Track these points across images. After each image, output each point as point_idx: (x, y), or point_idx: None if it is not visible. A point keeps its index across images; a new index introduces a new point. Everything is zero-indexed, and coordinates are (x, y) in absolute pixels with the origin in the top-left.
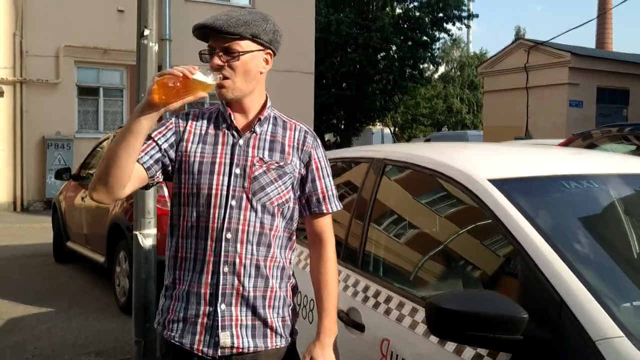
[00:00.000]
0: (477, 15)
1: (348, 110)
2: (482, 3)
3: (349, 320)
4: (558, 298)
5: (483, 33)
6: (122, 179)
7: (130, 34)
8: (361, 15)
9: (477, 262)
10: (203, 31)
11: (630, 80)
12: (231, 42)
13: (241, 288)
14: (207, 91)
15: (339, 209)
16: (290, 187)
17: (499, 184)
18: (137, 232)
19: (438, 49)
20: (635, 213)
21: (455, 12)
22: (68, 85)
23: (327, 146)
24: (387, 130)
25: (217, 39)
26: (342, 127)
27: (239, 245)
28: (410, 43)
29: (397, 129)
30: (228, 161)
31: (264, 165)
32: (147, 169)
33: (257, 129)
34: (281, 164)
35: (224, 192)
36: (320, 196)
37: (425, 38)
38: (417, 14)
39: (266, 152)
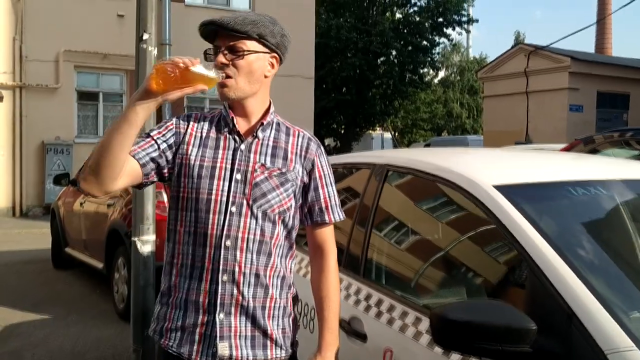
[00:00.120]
0: (477, 20)
1: (348, 114)
2: (482, 8)
3: (351, 329)
4: (567, 308)
5: (483, 38)
6: (114, 170)
7: (130, 38)
8: (361, 20)
9: (482, 271)
10: (210, 28)
11: (630, 85)
12: (237, 41)
13: (240, 297)
14: (209, 86)
15: (342, 218)
16: (292, 194)
17: (505, 190)
18: (135, 239)
19: (438, 53)
20: None
21: (455, 17)
22: (67, 90)
23: (327, 151)
24: (387, 135)
25: (223, 38)
26: (342, 131)
27: (238, 253)
28: (410, 48)
29: (397, 133)
30: (229, 166)
31: (266, 171)
32: (143, 166)
33: (260, 134)
34: (283, 170)
35: (224, 198)
36: (323, 205)
37: (425, 43)
38: (417, 18)
39: (268, 158)
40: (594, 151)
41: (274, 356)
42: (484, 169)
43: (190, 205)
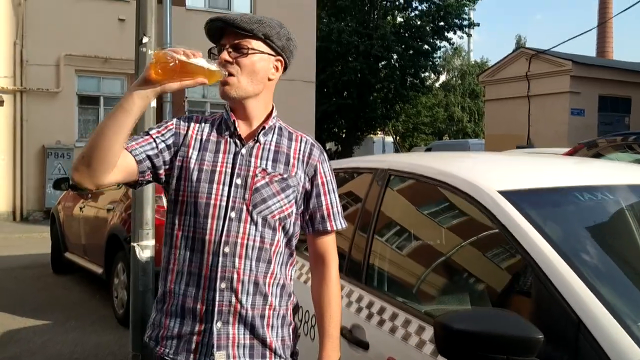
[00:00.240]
0: (478, 24)
1: (349, 118)
2: (483, 12)
3: (352, 337)
4: (575, 317)
5: (484, 42)
6: (107, 162)
7: (131, 42)
8: (362, 24)
9: (486, 278)
10: (216, 24)
11: (632, 89)
12: (242, 39)
13: (239, 306)
14: (209, 81)
15: (344, 227)
16: (293, 201)
17: (510, 195)
18: (134, 244)
19: (439, 57)
20: None
21: (456, 20)
22: (68, 94)
23: (328, 155)
24: (388, 139)
25: (228, 36)
26: (344, 135)
27: (237, 260)
28: (411, 52)
29: (398, 137)
30: (229, 170)
31: (267, 176)
32: (139, 162)
33: (261, 138)
34: (285, 176)
35: (223, 203)
36: (325, 213)
37: (426, 47)
38: (418, 22)
39: (269, 163)
40: (597, 155)
41: None
42: (487, 173)
43: (189, 210)
